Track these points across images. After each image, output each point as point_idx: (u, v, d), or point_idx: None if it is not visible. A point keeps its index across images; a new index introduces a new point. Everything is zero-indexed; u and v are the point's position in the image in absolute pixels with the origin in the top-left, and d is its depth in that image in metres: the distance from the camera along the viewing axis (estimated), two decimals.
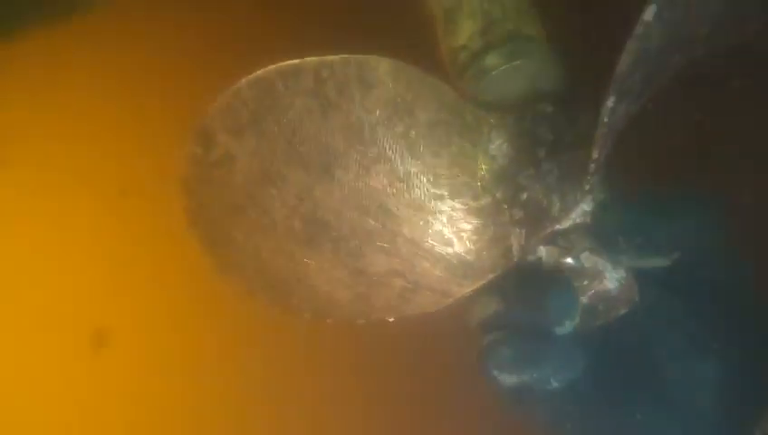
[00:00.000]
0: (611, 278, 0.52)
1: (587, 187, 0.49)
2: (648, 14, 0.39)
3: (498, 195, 0.56)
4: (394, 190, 0.55)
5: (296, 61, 0.51)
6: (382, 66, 0.52)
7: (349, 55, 0.51)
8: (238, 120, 0.52)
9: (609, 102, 0.43)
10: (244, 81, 0.51)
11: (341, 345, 0.68)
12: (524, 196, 0.55)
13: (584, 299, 0.52)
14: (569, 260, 0.52)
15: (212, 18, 0.74)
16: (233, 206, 0.55)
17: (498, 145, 0.57)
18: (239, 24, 0.73)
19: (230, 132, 0.52)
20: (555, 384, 0.50)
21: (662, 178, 0.53)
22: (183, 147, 0.52)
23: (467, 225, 0.56)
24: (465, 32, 0.64)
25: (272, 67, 0.50)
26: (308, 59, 0.51)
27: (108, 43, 0.76)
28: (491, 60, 0.62)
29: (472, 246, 0.56)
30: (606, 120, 0.44)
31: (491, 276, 0.56)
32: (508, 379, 0.52)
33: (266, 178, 0.54)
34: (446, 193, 0.56)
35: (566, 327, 0.50)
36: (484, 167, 0.56)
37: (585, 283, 0.52)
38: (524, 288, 0.53)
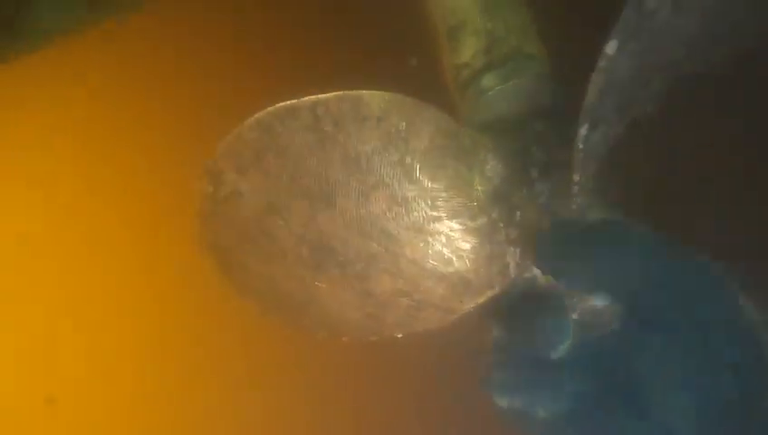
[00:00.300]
0: (601, 296, 0.54)
1: (573, 207, 0.51)
2: (611, 47, 0.41)
3: (494, 215, 0.58)
4: (393, 215, 0.58)
5: (293, 101, 0.54)
6: (376, 100, 0.55)
7: (343, 92, 0.54)
8: (242, 160, 0.55)
9: (582, 130, 0.45)
10: (245, 123, 0.54)
11: (349, 360, 0.71)
12: (518, 215, 0.57)
13: (574, 316, 0.54)
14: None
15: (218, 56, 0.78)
16: (244, 236, 0.59)
17: (493, 166, 0.59)
18: (245, 64, 0.77)
19: (236, 171, 0.56)
20: (546, 411, 0.52)
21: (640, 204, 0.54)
22: (194, 185, 0.56)
23: (466, 244, 0.59)
24: (469, 50, 0.66)
25: (270, 109, 0.54)
26: (304, 99, 0.54)
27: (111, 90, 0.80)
28: (489, 80, 0.64)
29: (471, 265, 0.59)
30: (581, 145, 0.46)
31: (491, 293, 0.59)
32: (503, 402, 0.55)
33: (273, 211, 0.57)
34: (443, 215, 0.59)
35: (559, 351, 0.52)
36: (479, 188, 0.59)
37: (575, 299, 0.54)
38: (519, 315, 0.55)
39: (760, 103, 0.51)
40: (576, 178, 0.48)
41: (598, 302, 0.53)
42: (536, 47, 0.65)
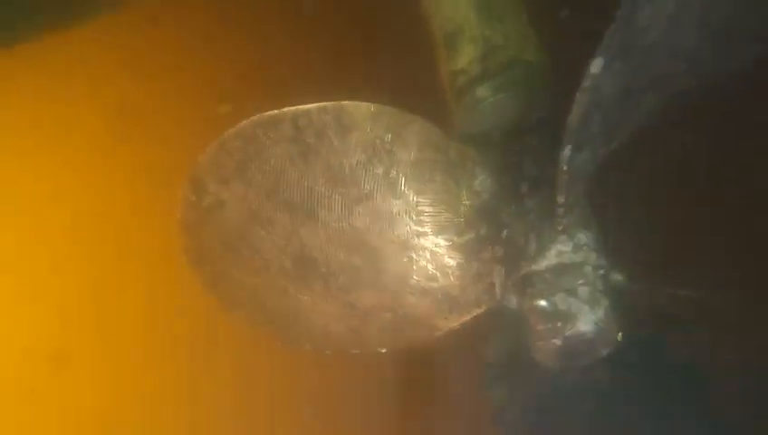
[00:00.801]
0: (587, 320, 0.51)
1: (560, 227, 0.49)
2: (596, 66, 0.39)
3: (482, 231, 0.57)
4: (378, 229, 0.57)
5: (275, 111, 0.53)
6: (360, 110, 0.54)
7: (326, 103, 0.54)
8: (225, 170, 0.55)
9: (566, 151, 0.43)
10: (227, 133, 0.54)
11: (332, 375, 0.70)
12: (505, 233, 0.55)
13: (557, 341, 0.52)
14: (542, 303, 0.52)
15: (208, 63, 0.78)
16: (228, 247, 0.58)
17: (482, 180, 0.57)
18: (230, 72, 0.77)
19: (219, 181, 0.55)
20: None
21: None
22: (177, 193, 0.56)
23: (451, 260, 0.57)
24: (466, 57, 0.64)
25: (253, 118, 0.53)
26: (286, 109, 0.53)
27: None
28: (484, 90, 0.63)
29: (456, 282, 0.57)
30: (565, 167, 0.44)
31: (476, 312, 0.57)
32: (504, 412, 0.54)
33: (255, 221, 0.57)
34: (429, 230, 0.57)
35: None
36: (467, 203, 0.57)
37: (559, 325, 0.52)
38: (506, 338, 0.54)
39: (760, 116, 0.49)
40: (561, 199, 0.46)
41: (586, 326, 0.51)
42: (535, 55, 0.63)
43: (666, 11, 0.39)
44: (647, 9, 0.38)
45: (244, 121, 0.54)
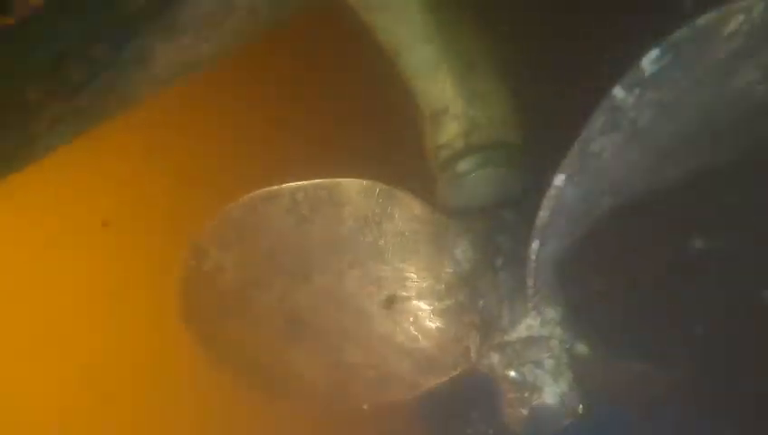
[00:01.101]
0: (551, 392, 0.57)
1: (530, 304, 0.55)
2: (559, 180, 0.46)
3: (461, 298, 0.62)
4: (367, 293, 0.62)
5: (274, 187, 0.58)
6: (353, 187, 0.59)
7: (321, 180, 0.59)
8: (227, 238, 0.59)
9: (534, 245, 0.49)
10: (230, 205, 0.58)
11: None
12: (481, 303, 0.60)
13: (524, 411, 0.57)
14: (512, 373, 0.57)
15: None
16: (223, 307, 0.62)
17: (463, 250, 0.62)
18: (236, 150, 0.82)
19: (220, 248, 0.60)
20: None
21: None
22: (178, 258, 0.60)
23: (432, 324, 0.62)
24: (450, 132, 0.69)
25: (253, 193, 0.58)
26: (284, 185, 0.58)
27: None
28: (465, 165, 0.68)
29: (436, 344, 0.62)
30: (534, 257, 0.50)
31: (454, 373, 0.62)
32: None
33: (252, 284, 0.61)
34: (413, 294, 0.62)
35: None
36: (449, 270, 0.62)
37: (526, 395, 0.57)
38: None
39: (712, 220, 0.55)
40: (530, 282, 0.52)
41: (550, 399, 0.56)
42: (516, 137, 0.68)
43: (617, 139, 0.46)
44: (600, 140, 0.45)
45: (246, 195, 0.59)
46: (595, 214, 0.53)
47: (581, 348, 0.60)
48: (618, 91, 0.44)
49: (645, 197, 0.53)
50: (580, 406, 0.57)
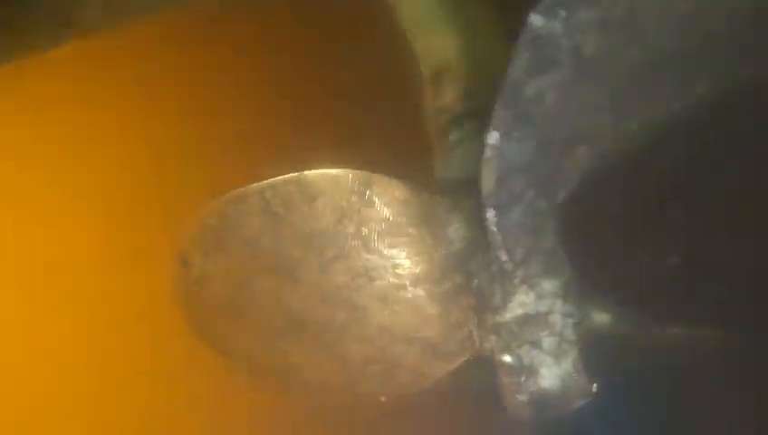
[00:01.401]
0: (550, 375, 0.51)
1: (515, 280, 0.49)
2: (492, 138, 0.39)
3: (457, 280, 0.57)
4: (357, 285, 0.59)
5: (241, 188, 0.56)
6: (324, 178, 0.56)
7: (288, 175, 0.56)
8: (205, 244, 0.58)
9: (489, 214, 0.43)
10: (202, 211, 0.57)
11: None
12: (474, 283, 0.55)
13: (522, 397, 0.51)
14: (506, 357, 0.51)
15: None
16: (221, 313, 0.62)
17: (455, 228, 0.58)
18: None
19: (201, 254, 0.59)
20: None
21: None
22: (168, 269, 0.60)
23: (432, 310, 0.58)
24: (449, 94, 0.65)
25: (222, 197, 0.56)
26: (252, 184, 0.56)
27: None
28: (462, 133, 0.63)
29: (438, 331, 0.58)
30: (494, 229, 0.44)
31: (461, 359, 0.58)
32: None
33: (241, 288, 0.60)
34: (407, 282, 0.58)
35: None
36: (442, 252, 0.58)
37: (522, 379, 0.52)
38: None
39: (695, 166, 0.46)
40: (504, 257, 0.46)
41: (548, 382, 0.50)
42: None
43: (559, 77, 0.38)
44: (534, 82, 0.38)
45: (216, 200, 0.57)
46: (579, 165, 0.46)
47: (598, 318, 0.53)
48: (534, 19, 0.36)
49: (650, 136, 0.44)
50: (594, 385, 0.51)
